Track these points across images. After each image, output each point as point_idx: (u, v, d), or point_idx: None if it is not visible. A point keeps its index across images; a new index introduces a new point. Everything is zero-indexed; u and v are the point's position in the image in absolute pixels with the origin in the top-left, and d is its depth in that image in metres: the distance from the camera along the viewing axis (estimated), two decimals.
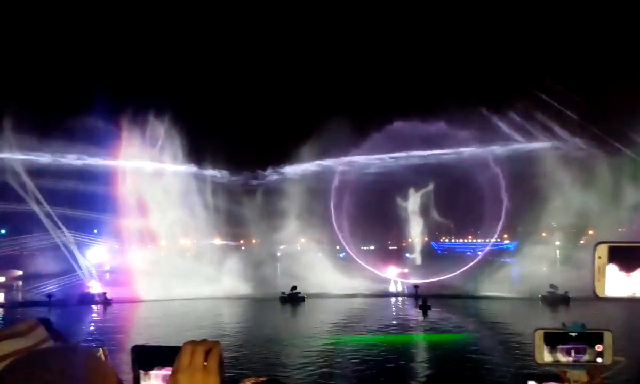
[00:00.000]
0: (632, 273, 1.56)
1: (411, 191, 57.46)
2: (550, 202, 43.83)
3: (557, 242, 47.83)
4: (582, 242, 42.74)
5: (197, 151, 49.53)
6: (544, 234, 49.62)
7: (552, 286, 36.16)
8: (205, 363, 1.33)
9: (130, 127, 46.56)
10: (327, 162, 50.74)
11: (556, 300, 34.42)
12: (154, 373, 1.55)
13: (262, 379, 1.74)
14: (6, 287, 46.65)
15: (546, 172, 44.07)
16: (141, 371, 1.57)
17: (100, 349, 2.20)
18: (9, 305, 39.72)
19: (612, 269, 1.56)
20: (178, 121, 47.78)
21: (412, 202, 58.20)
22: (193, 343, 1.37)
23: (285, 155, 51.39)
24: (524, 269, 45.61)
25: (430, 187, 56.18)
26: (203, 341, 1.38)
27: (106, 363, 1.62)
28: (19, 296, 43.15)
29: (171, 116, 47.54)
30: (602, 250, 1.57)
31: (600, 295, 1.57)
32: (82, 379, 1.39)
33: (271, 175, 52.14)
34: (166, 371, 1.45)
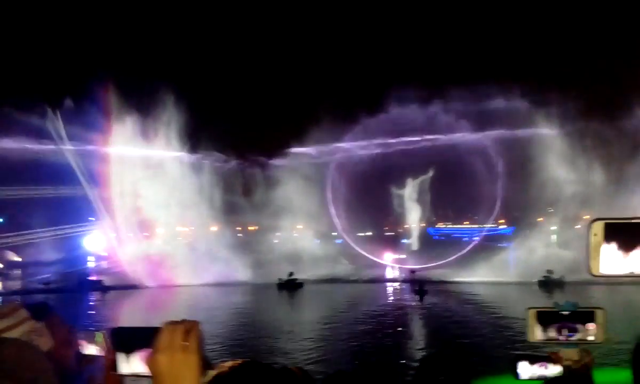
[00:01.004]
0: (629, 250, 1.53)
1: (409, 180, 57.46)
2: (547, 187, 43.98)
3: (554, 227, 47.99)
4: (578, 227, 42.86)
5: (194, 138, 49.29)
6: (540, 219, 49.87)
7: (548, 271, 36.42)
8: (185, 343, 1.33)
9: (127, 113, 46.21)
10: (324, 148, 50.64)
11: (552, 284, 34.67)
12: (134, 355, 1.54)
13: (239, 362, 1.70)
14: (3, 275, 46.67)
15: (543, 157, 44.15)
16: (122, 354, 1.56)
17: (99, 332, 2.22)
18: (7, 293, 39.77)
19: (608, 247, 1.54)
20: (176, 108, 47.38)
21: (409, 189, 58.28)
22: (172, 323, 1.38)
23: (281, 142, 51.31)
24: (521, 254, 45.86)
25: (429, 174, 56.17)
26: (182, 321, 1.39)
27: (36, 350, 1.57)
28: (18, 284, 43.09)
29: (169, 102, 47.19)
30: (598, 227, 1.54)
31: (596, 273, 1.54)
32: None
33: (268, 162, 52.05)
34: (146, 353, 1.44)
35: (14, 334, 1.75)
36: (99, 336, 2.14)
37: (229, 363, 1.69)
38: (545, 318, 2.75)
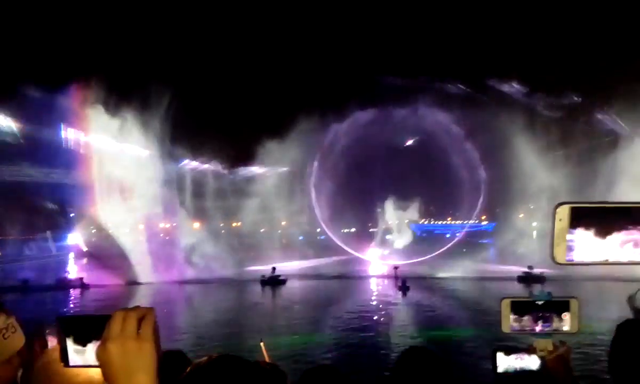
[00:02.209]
0: (596, 236, 1.44)
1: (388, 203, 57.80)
2: (528, 183, 44.56)
3: (534, 223, 48.62)
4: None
5: (178, 137, 48.72)
6: (521, 215, 50.48)
7: (528, 266, 36.88)
8: (139, 331, 1.25)
9: (102, 108, 45.48)
10: (307, 145, 50.59)
11: (532, 279, 35.10)
12: (85, 345, 1.46)
13: (214, 356, 1.65)
14: None
15: (523, 152, 44.71)
16: (73, 345, 1.47)
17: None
18: None
19: (574, 233, 1.45)
20: (158, 109, 46.78)
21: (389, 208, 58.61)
22: (124, 310, 1.29)
23: (264, 138, 50.99)
24: (501, 250, 46.39)
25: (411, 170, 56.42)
26: (135, 308, 1.30)
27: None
28: None
29: (155, 104, 46.60)
30: (563, 212, 1.45)
31: (560, 261, 1.45)
32: None
33: (252, 158, 51.80)
34: (97, 342, 1.36)
35: None
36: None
37: (204, 358, 1.65)
38: (520, 308, 2.72)
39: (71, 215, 48.39)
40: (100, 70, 45.65)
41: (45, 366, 1.77)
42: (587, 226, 1.42)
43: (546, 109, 44.61)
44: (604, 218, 1.41)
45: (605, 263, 1.42)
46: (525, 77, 47.52)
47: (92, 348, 1.44)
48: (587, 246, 1.42)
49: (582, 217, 1.42)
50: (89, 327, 1.44)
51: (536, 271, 35.79)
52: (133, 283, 40.19)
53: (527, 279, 35.63)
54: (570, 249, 1.44)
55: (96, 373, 1.37)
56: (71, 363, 1.47)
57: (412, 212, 59.11)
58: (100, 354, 1.25)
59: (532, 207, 49.51)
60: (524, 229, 47.81)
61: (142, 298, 34.78)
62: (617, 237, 1.41)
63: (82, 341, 1.46)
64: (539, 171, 44.43)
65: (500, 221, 54.86)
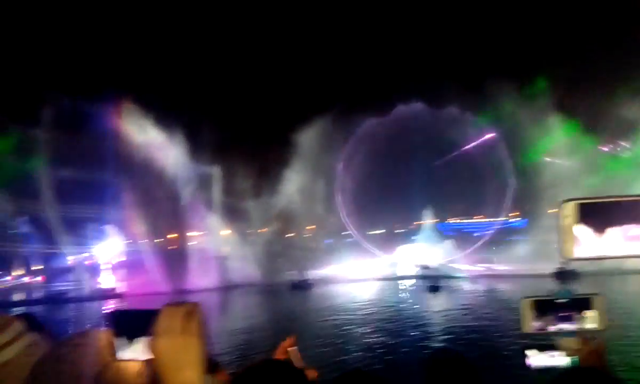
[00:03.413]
0: (603, 231, 1.43)
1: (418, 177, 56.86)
2: (559, 178, 43.51)
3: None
4: None
5: (201, 145, 49.41)
6: (553, 210, 49.28)
7: (562, 262, 35.99)
8: (185, 326, 1.28)
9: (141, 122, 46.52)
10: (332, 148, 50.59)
11: (567, 275, 34.26)
12: (134, 339, 1.49)
13: (263, 359, 1.71)
14: (26, 285, 47.20)
15: (554, 148, 43.75)
16: (122, 339, 1.52)
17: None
18: (30, 303, 40.21)
19: (581, 229, 1.43)
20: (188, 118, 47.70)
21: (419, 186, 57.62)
22: (172, 305, 1.32)
23: (290, 143, 51.16)
24: (534, 246, 45.39)
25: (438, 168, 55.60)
26: (182, 303, 1.33)
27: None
28: (39, 294, 43.46)
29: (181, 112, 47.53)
30: (569, 208, 1.44)
31: (569, 256, 1.45)
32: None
33: (277, 164, 52.03)
34: (146, 336, 1.38)
35: (12, 350, 1.69)
36: None
37: (255, 361, 1.70)
38: (541, 307, 2.66)
39: (104, 226, 49.49)
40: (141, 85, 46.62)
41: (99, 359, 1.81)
42: (593, 221, 1.41)
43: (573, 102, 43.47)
44: (611, 212, 1.40)
45: (614, 257, 1.41)
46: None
47: (139, 341, 1.47)
48: (594, 241, 1.41)
49: (588, 212, 1.41)
50: (137, 322, 1.48)
51: (570, 267, 34.89)
52: (165, 293, 40.85)
53: (562, 275, 34.82)
54: (578, 244, 1.43)
55: (144, 366, 1.41)
56: (121, 356, 1.51)
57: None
58: (151, 347, 1.29)
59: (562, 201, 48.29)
60: (556, 224, 46.64)
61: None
62: (625, 230, 1.39)
63: (130, 335, 1.50)
64: (570, 165, 43.35)
65: (532, 217, 53.72)
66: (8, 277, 48.28)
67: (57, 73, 58.75)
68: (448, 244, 54.28)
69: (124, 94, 45.66)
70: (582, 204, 1.41)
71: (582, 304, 2.65)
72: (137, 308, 1.54)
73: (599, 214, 1.40)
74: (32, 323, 1.94)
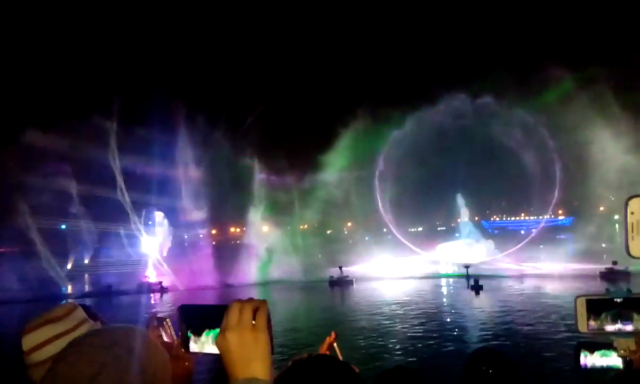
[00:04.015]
0: None
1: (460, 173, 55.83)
2: (607, 174, 41.80)
3: (616, 216, 45.55)
4: None
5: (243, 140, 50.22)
6: (601, 209, 47.47)
7: (613, 262, 34.63)
8: (254, 322, 1.32)
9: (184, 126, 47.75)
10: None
11: (616, 276, 32.95)
12: (202, 333, 1.54)
13: (316, 353, 1.75)
14: (72, 277, 48.96)
15: (602, 142, 42.03)
16: (191, 335, 1.56)
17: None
18: (77, 296, 41.81)
19: None
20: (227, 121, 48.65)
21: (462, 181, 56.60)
22: (240, 301, 1.36)
23: (331, 138, 51.25)
24: (581, 245, 43.87)
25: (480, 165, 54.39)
26: (250, 300, 1.37)
27: (155, 341, 1.67)
28: (85, 287, 45.10)
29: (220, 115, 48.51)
30: (636, 205, 1.41)
31: (636, 255, 1.42)
32: (138, 356, 1.46)
33: (313, 162, 52.22)
34: (215, 331, 1.45)
35: (74, 336, 1.71)
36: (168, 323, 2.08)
37: (304, 355, 1.75)
38: (596, 307, 2.58)
39: (149, 222, 50.87)
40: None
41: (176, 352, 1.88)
42: None
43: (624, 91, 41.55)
44: None
45: None
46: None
47: (206, 336, 1.53)
48: None
49: None
50: (205, 316, 1.53)
51: (620, 267, 33.59)
52: (209, 287, 41.71)
53: (610, 275, 33.53)
54: None
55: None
56: (191, 349, 1.57)
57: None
58: (220, 342, 1.33)
59: (612, 198, 46.43)
60: (606, 222, 44.95)
61: (217, 300, 35.99)
62: None
63: (198, 329, 1.55)
64: (619, 160, 41.54)
65: (579, 215, 51.90)
66: (69, 266, 50.15)
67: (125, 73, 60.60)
68: (491, 242, 53.18)
69: (172, 94, 46.99)
70: None
71: (639, 304, 2.56)
72: (204, 303, 1.58)
73: None
74: (88, 312, 1.99)
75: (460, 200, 57.26)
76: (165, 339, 2.00)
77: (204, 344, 1.54)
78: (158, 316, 2.07)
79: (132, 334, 1.53)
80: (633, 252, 1.43)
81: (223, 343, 1.32)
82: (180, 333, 1.64)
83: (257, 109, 51.93)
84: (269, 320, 1.35)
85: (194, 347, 1.56)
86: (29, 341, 1.74)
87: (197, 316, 1.57)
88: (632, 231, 1.41)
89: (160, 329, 2.03)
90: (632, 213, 1.40)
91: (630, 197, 1.40)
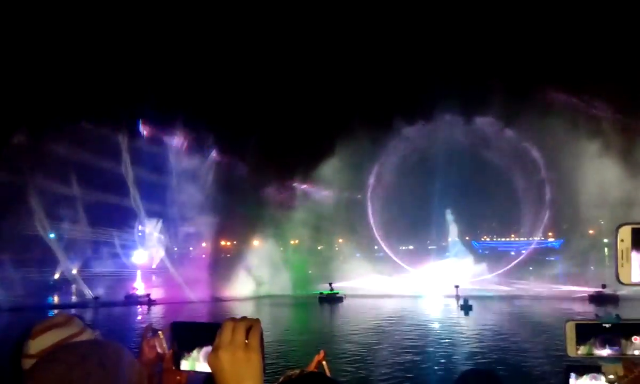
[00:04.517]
0: None
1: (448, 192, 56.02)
2: (597, 198, 42.24)
3: (606, 240, 45.93)
4: None
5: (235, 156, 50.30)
6: (591, 232, 47.87)
7: (602, 285, 34.80)
8: (247, 341, 1.31)
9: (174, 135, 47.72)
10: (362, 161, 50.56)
11: (604, 299, 33.12)
12: (194, 351, 1.52)
13: (307, 370, 1.74)
14: (59, 288, 48.36)
15: (592, 166, 42.51)
16: (182, 350, 1.55)
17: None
18: (62, 306, 41.28)
19: (636, 254, 1.45)
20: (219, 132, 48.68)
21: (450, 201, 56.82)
22: (233, 320, 1.35)
23: (321, 157, 51.38)
24: (571, 267, 44.14)
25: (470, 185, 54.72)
26: (243, 319, 1.36)
27: (136, 361, 1.66)
28: (72, 298, 44.52)
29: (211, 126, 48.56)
30: (625, 233, 1.46)
31: (625, 282, 1.46)
32: (118, 371, 1.46)
33: (306, 178, 52.29)
34: (207, 349, 1.44)
35: (78, 340, 1.79)
36: (161, 335, 2.09)
37: (296, 372, 1.74)
38: (586, 331, 2.61)
39: (139, 234, 50.55)
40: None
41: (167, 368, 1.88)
42: None
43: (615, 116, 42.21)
44: None
45: None
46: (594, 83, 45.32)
47: (197, 353, 1.52)
48: None
49: None
50: (197, 334, 1.52)
51: (609, 290, 33.76)
52: (198, 301, 41.33)
53: (599, 298, 33.68)
54: (635, 269, 1.44)
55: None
56: (182, 367, 1.56)
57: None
58: (212, 360, 1.31)
59: (602, 222, 46.85)
60: (595, 246, 45.29)
61: (206, 314, 35.72)
62: None
63: (190, 347, 1.54)
64: (609, 185, 42.00)
65: (569, 237, 52.28)
66: (56, 276, 49.49)
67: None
68: (481, 262, 53.33)
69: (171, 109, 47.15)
70: (638, 229, 1.42)
71: (629, 330, 2.59)
72: (197, 321, 1.58)
73: None
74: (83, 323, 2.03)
75: (449, 216, 57.48)
76: (159, 350, 2.03)
77: (196, 362, 1.53)
78: (153, 327, 2.08)
79: (105, 349, 1.53)
80: (622, 278, 1.47)
81: (215, 362, 1.30)
82: (171, 350, 1.63)
83: (253, 134, 52.14)
84: (261, 339, 1.34)
85: (185, 365, 1.55)
86: (37, 344, 1.78)
87: (189, 334, 1.56)
88: (622, 258, 1.45)
89: (155, 340, 2.04)
90: (621, 241, 1.44)
91: (620, 225, 1.44)
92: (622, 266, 1.44)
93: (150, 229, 49.07)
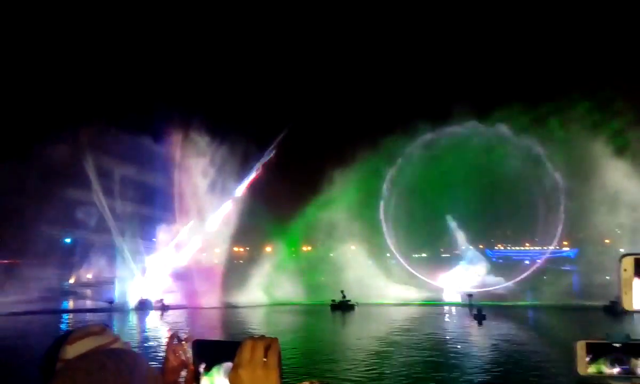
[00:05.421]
0: None
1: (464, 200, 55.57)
2: (614, 207, 41.73)
3: (622, 250, 45.24)
4: None
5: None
6: (607, 241, 47.22)
7: (617, 297, 34.28)
8: (265, 359, 1.37)
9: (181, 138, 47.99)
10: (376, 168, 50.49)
11: (619, 310, 32.55)
12: (214, 368, 1.59)
13: (317, 382, 1.81)
14: (74, 293, 48.93)
15: (609, 174, 42.02)
16: (203, 367, 1.61)
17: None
18: (76, 311, 41.77)
19: (638, 282, 1.54)
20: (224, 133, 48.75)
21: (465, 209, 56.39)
22: (253, 338, 1.41)
23: (335, 163, 51.34)
24: (586, 277, 43.60)
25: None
26: (262, 337, 1.42)
27: (154, 370, 1.74)
28: (86, 303, 45.01)
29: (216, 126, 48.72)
30: (628, 263, 1.55)
31: (629, 309, 1.54)
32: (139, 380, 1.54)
33: (320, 182, 52.27)
34: (227, 366, 1.50)
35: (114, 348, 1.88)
36: (185, 344, 2.18)
37: (306, 383, 1.80)
38: (596, 350, 2.65)
39: (153, 239, 50.88)
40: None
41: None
42: None
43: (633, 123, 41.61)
44: None
45: None
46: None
47: (217, 370, 1.59)
48: None
49: None
50: (218, 352, 1.60)
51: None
52: (210, 307, 41.50)
53: (613, 309, 33.14)
54: (637, 296, 1.50)
55: None
56: (202, 383, 1.61)
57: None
58: (232, 378, 1.39)
59: (619, 231, 46.21)
60: (611, 255, 44.62)
61: (219, 321, 35.90)
62: None
63: (209, 364, 1.61)
64: (626, 193, 41.48)
65: (584, 247, 51.62)
66: (71, 280, 50.02)
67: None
68: (495, 270, 52.90)
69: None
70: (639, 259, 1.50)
71: (638, 349, 2.62)
72: (218, 339, 1.66)
73: None
74: None
75: (451, 223, 57.11)
76: (183, 358, 2.12)
77: (216, 378, 1.59)
78: (178, 335, 2.16)
79: (123, 357, 1.60)
80: (626, 306, 1.54)
81: (236, 379, 1.37)
82: (192, 366, 1.71)
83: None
84: (279, 358, 1.41)
85: (205, 381, 1.61)
86: (74, 350, 1.84)
87: (210, 352, 1.63)
88: (625, 287, 1.52)
89: (180, 348, 2.13)
90: (625, 270, 1.51)
91: (624, 256, 1.52)
92: (625, 294, 1.51)
93: (166, 235, 49.39)
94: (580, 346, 2.67)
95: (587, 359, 2.64)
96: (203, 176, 48.34)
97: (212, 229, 48.21)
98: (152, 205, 46.97)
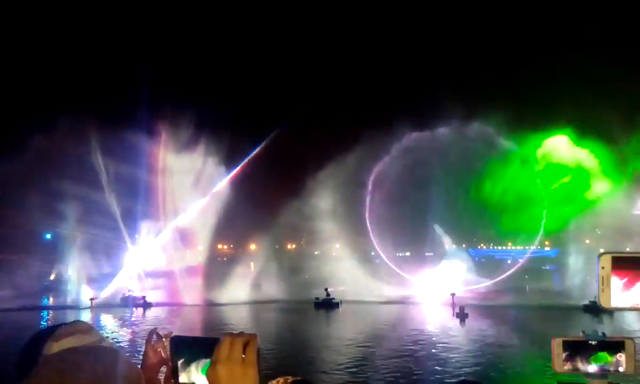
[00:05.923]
0: (635, 283, 1.55)
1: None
2: (594, 208, 42.48)
3: (602, 250, 45.89)
4: (627, 249, 40.90)
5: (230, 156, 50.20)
6: (587, 242, 48.00)
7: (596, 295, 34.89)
8: (243, 356, 1.36)
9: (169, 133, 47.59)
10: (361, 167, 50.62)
11: (599, 309, 33.08)
12: (192, 364, 1.57)
13: (291, 379, 1.79)
14: (53, 289, 48.16)
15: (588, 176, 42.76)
16: (180, 363, 1.59)
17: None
18: (57, 307, 41.21)
19: (616, 280, 1.57)
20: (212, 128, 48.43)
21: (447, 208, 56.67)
22: (231, 335, 1.40)
23: (320, 162, 51.33)
24: (566, 277, 44.27)
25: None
26: (241, 334, 1.41)
27: (136, 369, 1.72)
28: (67, 299, 44.30)
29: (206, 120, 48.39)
30: (606, 260, 1.58)
31: (605, 306, 1.57)
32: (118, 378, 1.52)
33: (306, 180, 52.26)
34: (205, 363, 1.49)
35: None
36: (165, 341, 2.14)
37: (280, 380, 1.79)
38: (572, 348, 2.70)
39: (135, 235, 50.37)
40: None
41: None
42: (627, 273, 1.51)
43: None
44: None
45: None
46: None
47: (194, 366, 1.58)
48: (628, 291, 1.51)
49: (622, 265, 1.52)
50: (196, 348, 1.58)
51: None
52: (193, 305, 41.25)
53: (593, 308, 33.65)
54: (614, 294, 1.53)
55: None
56: (181, 380, 1.61)
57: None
58: (210, 374, 1.37)
59: (599, 232, 47.05)
60: (591, 255, 45.37)
61: (202, 319, 35.71)
62: None
63: (187, 360, 1.59)
64: (606, 194, 42.23)
65: (565, 247, 52.40)
66: (52, 277, 49.22)
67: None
68: (477, 269, 53.35)
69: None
70: (617, 257, 1.54)
71: (613, 347, 2.67)
72: (195, 336, 1.63)
73: (631, 267, 1.52)
74: None
75: (438, 229, 57.36)
76: (162, 354, 2.09)
77: (194, 375, 1.58)
78: (157, 332, 2.14)
79: (100, 354, 1.58)
80: (603, 303, 1.57)
81: (213, 376, 1.36)
82: (171, 363, 1.69)
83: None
84: (258, 354, 1.40)
85: (183, 378, 1.60)
86: (59, 347, 1.77)
87: (188, 348, 1.61)
88: (602, 284, 1.54)
89: (159, 344, 2.11)
90: (602, 268, 1.54)
91: (602, 254, 1.55)
92: (602, 291, 1.53)
93: (147, 231, 48.92)
94: (557, 344, 2.71)
95: (564, 356, 2.69)
96: (186, 171, 48.04)
97: (193, 226, 47.84)
98: (135, 200, 46.45)
